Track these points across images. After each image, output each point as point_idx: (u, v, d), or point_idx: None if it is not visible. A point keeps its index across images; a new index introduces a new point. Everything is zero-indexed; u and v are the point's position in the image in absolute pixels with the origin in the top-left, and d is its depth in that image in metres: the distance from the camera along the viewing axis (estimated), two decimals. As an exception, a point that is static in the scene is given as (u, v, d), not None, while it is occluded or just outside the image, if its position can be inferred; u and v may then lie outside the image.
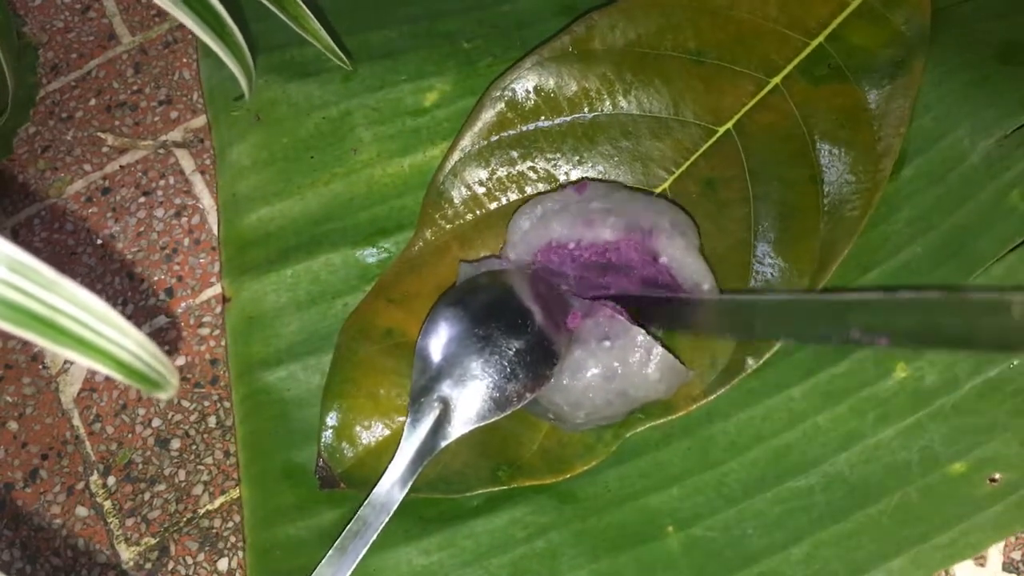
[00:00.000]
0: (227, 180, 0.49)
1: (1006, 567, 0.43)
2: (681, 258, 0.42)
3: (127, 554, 0.47)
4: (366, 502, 0.40)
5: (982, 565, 0.43)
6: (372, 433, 0.44)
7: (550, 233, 0.43)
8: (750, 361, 0.43)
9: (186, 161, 0.55)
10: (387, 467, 0.41)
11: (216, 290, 0.51)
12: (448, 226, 0.46)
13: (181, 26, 0.58)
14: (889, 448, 0.42)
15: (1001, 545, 0.43)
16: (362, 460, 0.43)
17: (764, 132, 0.46)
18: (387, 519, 0.40)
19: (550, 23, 0.51)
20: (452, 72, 0.51)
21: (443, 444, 0.41)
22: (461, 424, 0.41)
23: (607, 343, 0.41)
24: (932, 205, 0.45)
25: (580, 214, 0.43)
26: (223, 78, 0.51)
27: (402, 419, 0.43)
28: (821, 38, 0.47)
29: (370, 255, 0.48)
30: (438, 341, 0.42)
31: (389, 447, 0.43)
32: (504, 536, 0.43)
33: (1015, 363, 0.42)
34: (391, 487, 0.41)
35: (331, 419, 0.44)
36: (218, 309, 0.51)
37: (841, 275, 0.45)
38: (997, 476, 0.41)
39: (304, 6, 0.45)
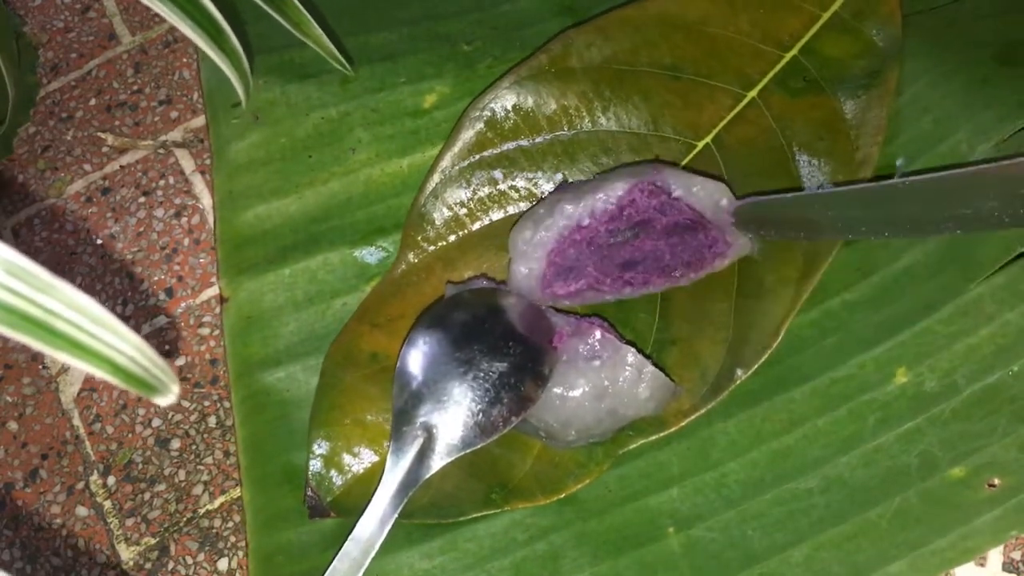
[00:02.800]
0: (224, 178, 0.49)
1: (1006, 567, 0.43)
2: (691, 181, 0.42)
3: (127, 554, 0.47)
4: (350, 537, 0.40)
5: (982, 565, 0.43)
6: (360, 460, 0.43)
7: (559, 222, 0.42)
8: (739, 372, 0.43)
9: (186, 161, 0.55)
10: (370, 500, 0.40)
11: (216, 290, 0.51)
12: (431, 248, 0.46)
13: (181, 26, 0.58)
14: (889, 452, 0.42)
15: (1001, 545, 0.43)
16: (351, 488, 0.43)
17: (743, 145, 0.46)
18: (373, 555, 0.39)
19: (550, 24, 0.51)
20: (451, 74, 0.51)
21: (427, 474, 0.40)
22: (445, 452, 0.40)
23: (596, 362, 0.40)
24: (933, 209, 0.45)
25: (580, 192, 0.42)
26: (223, 78, 0.51)
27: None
28: (795, 51, 0.47)
29: (368, 254, 0.48)
30: (418, 364, 0.41)
31: (378, 474, 0.42)
32: (505, 539, 0.43)
33: (1015, 369, 0.42)
34: (376, 522, 0.40)
35: (318, 447, 0.43)
36: (218, 309, 0.51)
37: (841, 279, 0.44)
38: (996, 481, 0.41)
39: (304, 11, 0.44)
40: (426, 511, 0.42)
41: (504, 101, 0.46)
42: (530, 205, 0.46)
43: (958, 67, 0.46)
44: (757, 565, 0.41)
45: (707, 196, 0.42)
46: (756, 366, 0.43)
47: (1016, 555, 0.43)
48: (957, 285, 0.43)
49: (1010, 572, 0.43)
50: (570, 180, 0.46)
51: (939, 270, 0.43)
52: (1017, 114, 0.44)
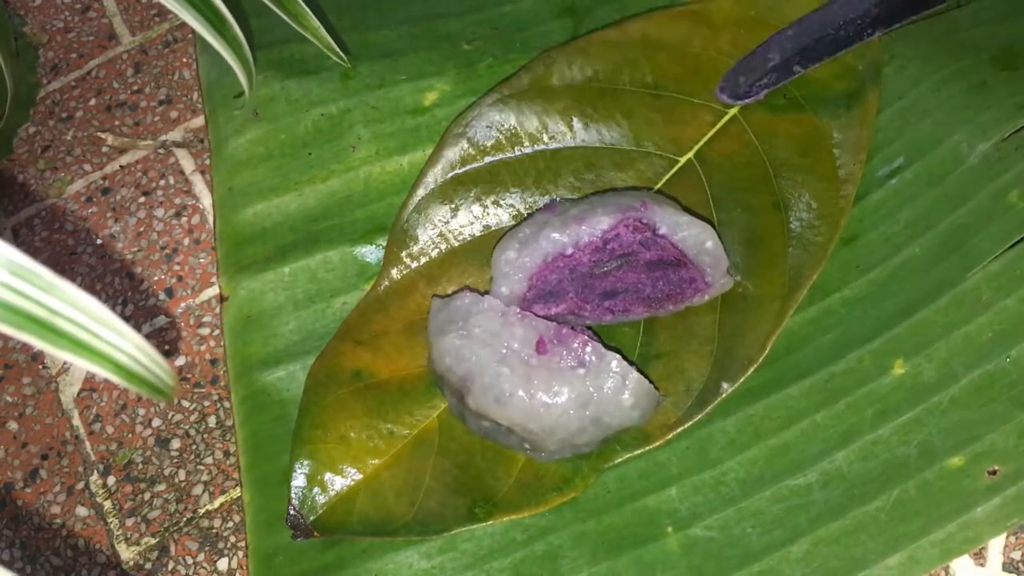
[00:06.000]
0: (223, 175, 0.49)
1: (1006, 567, 0.43)
2: (678, 221, 0.41)
3: (127, 554, 0.47)
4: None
5: (982, 565, 0.43)
6: (344, 479, 0.43)
7: (544, 247, 0.42)
8: (725, 386, 0.43)
9: (186, 161, 0.55)
10: None
11: (216, 290, 0.51)
12: (414, 264, 0.46)
13: (181, 26, 0.58)
14: (887, 444, 0.42)
15: (1001, 545, 0.43)
16: (334, 507, 0.43)
17: (725, 161, 0.46)
18: None
19: (550, 25, 0.51)
20: (452, 72, 0.51)
21: None
22: None
23: (581, 369, 0.40)
24: (931, 207, 0.45)
25: (566, 221, 0.42)
26: (222, 73, 0.51)
27: (374, 462, 0.43)
28: None
29: (368, 253, 0.48)
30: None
31: (362, 492, 0.42)
32: (504, 539, 0.43)
33: (1012, 355, 0.42)
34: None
35: (301, 466, 0.43)
36: (218, 309, 0.51)
37: (840, 277, 0.45)
38: (996, 469, 0.41)
39: (303, 4, 0.44)
40: (409, 528, 0.42)
41: (486, 119, 0.47)
42: (513, 220, 0.46)
43: (957, 72, 0.46)
44: (756, 563, 0.41)
45: (692, 237, 0.42)
46: (742, 380, 0.43)
47: (1016, 555, 0.43)
48: (954, 275, 0.43)
49: (1010, 572, 0.43)
50: (556, 197, 0.46)
51: (937, 261, 0.44)
52: (1015, 115, 0.44)
